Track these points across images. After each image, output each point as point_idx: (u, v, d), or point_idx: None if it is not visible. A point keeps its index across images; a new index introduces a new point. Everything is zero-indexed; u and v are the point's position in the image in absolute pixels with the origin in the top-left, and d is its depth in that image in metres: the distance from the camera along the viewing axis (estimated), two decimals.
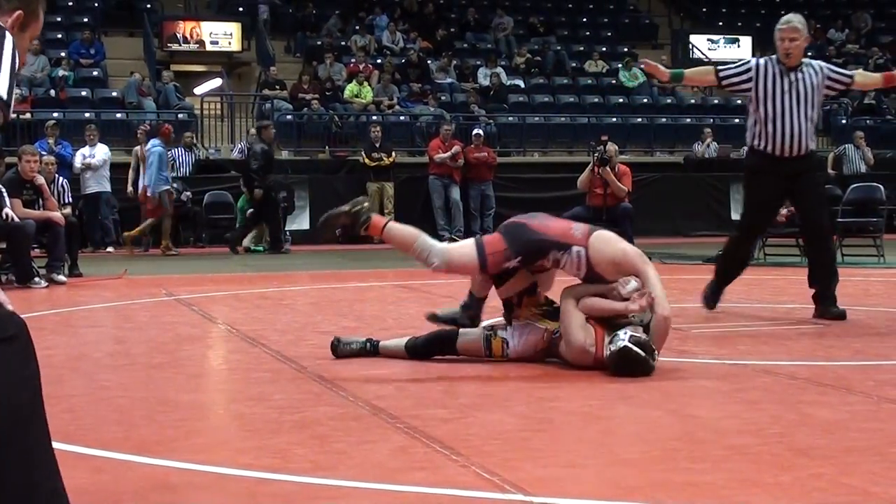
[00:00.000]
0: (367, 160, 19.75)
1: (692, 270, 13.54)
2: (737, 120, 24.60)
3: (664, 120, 24.43)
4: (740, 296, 10.31)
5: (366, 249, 18.01)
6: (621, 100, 25.01)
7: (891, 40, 28.93)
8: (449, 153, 19.59)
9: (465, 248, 6.25)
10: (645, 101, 25.07)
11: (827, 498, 3.53)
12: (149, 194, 17.39)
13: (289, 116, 22.64)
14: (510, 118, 23.66)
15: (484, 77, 24.64)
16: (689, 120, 24.34)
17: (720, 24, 29.48)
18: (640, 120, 24.21)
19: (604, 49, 27.15)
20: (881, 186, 16.21)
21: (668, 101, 25.37)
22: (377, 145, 19.86)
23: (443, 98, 23.87)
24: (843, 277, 8.52)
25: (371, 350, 6.54)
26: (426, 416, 4.77)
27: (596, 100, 24.88)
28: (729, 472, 3.85)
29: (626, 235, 14.74)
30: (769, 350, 6.67)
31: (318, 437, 4.42)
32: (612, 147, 14.97)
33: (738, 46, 28.17)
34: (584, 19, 29.23)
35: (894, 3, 31.61)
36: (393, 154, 20.00)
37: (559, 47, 26.81)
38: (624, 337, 5.77)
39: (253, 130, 19.47)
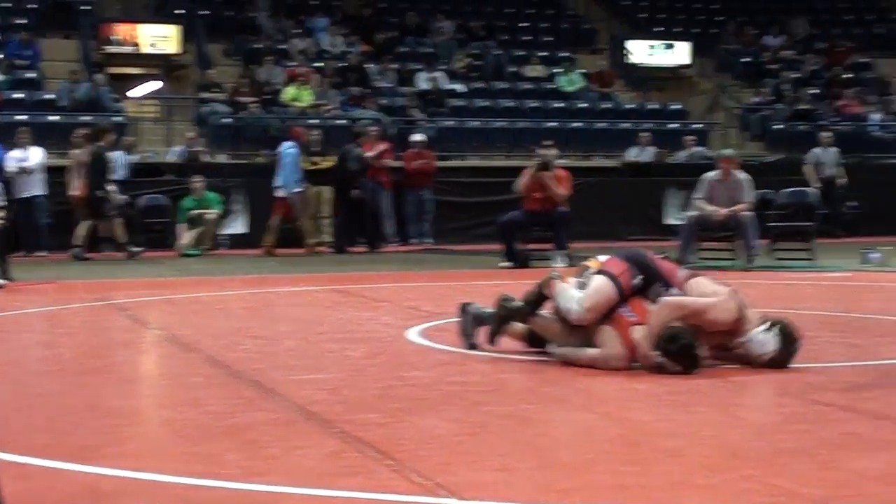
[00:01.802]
0: (305, 164, 19.63)
1: None
2: (674, 125, 24.81)
3: (602, 124, 24.54)
4: None
5: (301, 254, 17.94)
6: (560, 104, 25.09)
7: (826, 46, 29.28)
8: (373, 152, 19.50)
9: (595, 283, 6.30)
10: (583, 105, 25.17)
11: (756, 499, 3.57)
12: (282, 195, 18.05)
13: (227, 120, 22.49)
14: (450, 122, 23.66)
15: (424, 81, 24.63)
16: (626, 125, 24.46)
17: (658, 29, 29.68)
18: (578, 124, 24.29)
19: (543, 54, 27.21)
20: (814, 191, 16.42)
21: (607, 105, 25.51)
22: (315, 149, 19.75)
23: (382, 102, 23.81)
24: (776, 281, 8.61)
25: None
26: (360, 421, 4.76)
27: (535, 104, 24.94)
28: (661, 474, 3.88)
29: (561, 240, 14.87)
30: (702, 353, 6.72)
31: (251, 442, 4.39)
32: (552, 152, 15.04)
33: (675, 52, 28.37)
34: (524, 24, 29.28)
35: (829, 10, 32.00)
36: (331, 158, 19.89)
37: (499, 52, 26.84)
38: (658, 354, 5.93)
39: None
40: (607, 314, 6.19)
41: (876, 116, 26.14)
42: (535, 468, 3.97)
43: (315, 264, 15.76)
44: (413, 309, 9.52)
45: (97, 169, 17.14)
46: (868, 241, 17.79)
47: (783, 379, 5.86)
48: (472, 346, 6.84)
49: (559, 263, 14.65)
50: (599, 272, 6.34)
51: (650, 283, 6.28)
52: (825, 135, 22.14)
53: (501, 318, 6.63)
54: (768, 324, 6.08)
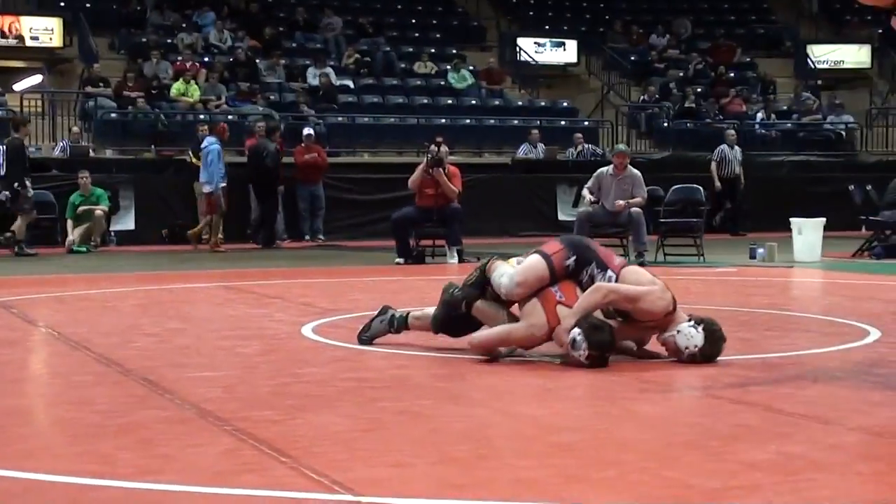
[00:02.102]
0: (193, 160, 19.42)
1: None
2: (563, 122, 25.04)
3: (492, 121, 24.67)
4: None
5: (192, 251, 17.74)
6: (450, 101, 25.17)
7: (709, 46, 29.79)
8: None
9: (528, 260, 6.39)
10: (473, 102, 25.27)
11: (649, 491, 3.62)
12: (206, 191, 17.68)
13: (113, 115, 22.14)
14: (339, 118, 23.59)
15: (313, 77, 24.52)
16: (516, 122, 24.62)
17: (547, 27, 29.92)
18: (468, 121, 24.40)
19: (433, 51, 27.28)
20: (701, 188, 16.68)
21: (497, 102, 25.65)
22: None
23: (271, 97, 23.66)
24: (665, 276, 8.74)
25: (395, 330, 6.77)
26: (255, 418, 4.73)
27: (425, 101, 24.98)
28: (555, 468, 3.92)
29: (454, 235, 14.92)
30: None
31: (144, 441, 4.34)
32: (444, 148, 15.08)
33: (565, 50, 28.65)
34: (413, 21, 29.33)
35: (712, 11, 32.58)
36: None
37: (388, 48, 26.84)
38: (578, 333, 5.95)
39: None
40: (537, 292, 6.23)
41: (759, 115, 26.67)
42: (431, 464, 3.98)
43: (207, 261, 15.59)
44: (307, 305, 9.48)
45: (15, 161, 16.65)
46: (754, 237, 18.17)
47: (674, 373, 5.96)
48: (365, 343, 6.84)
49: (453, 259, 14.73)
50: (535, 252, 6.41)
51: (584, 265, 6.30)
52: (730, 133, 22.34)
53: (450, 306, 6.58)
54: (695, 321, 6.18)
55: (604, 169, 14.76)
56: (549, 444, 4.29)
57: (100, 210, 17.98)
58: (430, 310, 6.78)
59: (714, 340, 6.13)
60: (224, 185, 17.87)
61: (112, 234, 18.54)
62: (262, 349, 6.91)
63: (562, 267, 6.30)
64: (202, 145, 18.11)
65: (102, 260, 16.07)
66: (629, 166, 14.58)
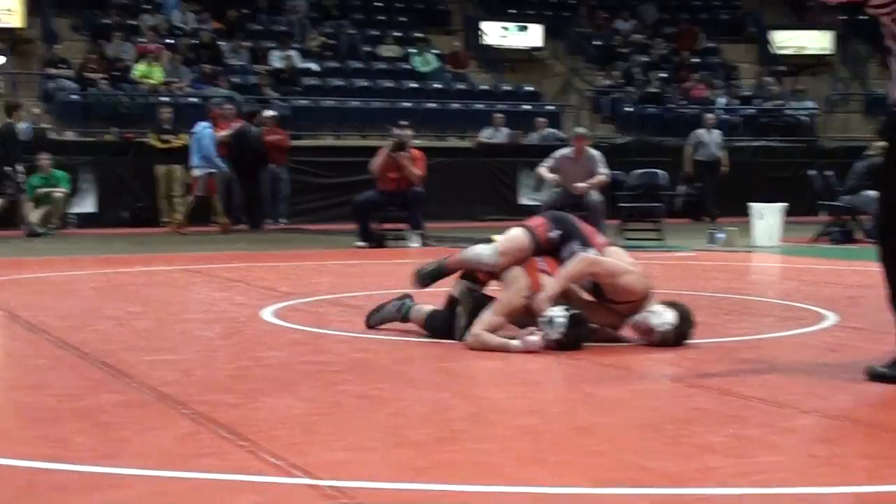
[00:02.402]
0: (156, 142, 19.33)
1: None
2: (527, 106, 25.04)
3: (456, 105, 24.65)
4: None
5: (153, 234, 17.67)
6: (414, 85, 25.12)
7: (675, 31, 29.86)
8: (227, 131, 19.30)
9: (510, 232, 6.44)
10: (438, 86, 25.23)
11: (606, 474, 3.64)
12: (197, 174, 17.94)
13: (74, 96, 21.97)
14: (303, 101, 23.50)
15: (277, 59, 24.41)
16: (480, 106, 24.60)
17: (511, 11, 29.90)
18: (432, 105, 24.36)
19: (397, 34, 27.20)
20: (663, 172, 16.75)
21: (461, 86, 25.63)
22: (167, 127, 19.46)
23: (235, 80, 23.54)
24: None
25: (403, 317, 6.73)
26: (213, 402, 4.72)
27: (389, 84, 24.92)
28: (513, 451, 3.93)
29: (416, 220, 14.92)
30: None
31: (101, 424, 4.32)
32: (407, 132, 15.06)
33: (529, 34, 28.63)
34: (378, 4, 29.23)
35: None
36: (182, 136, 19.61)
37: (353, 31, 26.74)
38: (558, 312, 5.96)
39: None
40: (520, 262, 6.27)
41: (722, 100, 26.78)
42: (390, 447, 3.99)
43: (168, 244, 15.53)
44: (267, 289, 9.46)
45: (7, 144, 16.92)
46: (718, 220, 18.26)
47: (632, 358, 5.99)
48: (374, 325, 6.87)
49: (414, 243, 14.72)
50: (518, 225, 6.47)
51: (567, 239, 6.34)
52: (709, 116, 22.22)
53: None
54: (666, 304, 6.23)
55: (563, 151, 14.77)
56: (507, 427, 4.30)
57: (60, 192, 17.87)
58: (428, 307, 6.70)
59: (687, 320, 6.17)
60: (213, 170, 18.03)
61: (72, 216, 18.43)
62: (221, 333, 6.90)
63: (545, 239, 6.35)
64: (194, 129, 18.25)
65: (62, 242, 15.97)
66: (587, 148, 14.61)
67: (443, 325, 6.46)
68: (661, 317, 6.14)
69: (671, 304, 6.23)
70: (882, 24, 4.70)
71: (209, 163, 18.02)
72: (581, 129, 16.05)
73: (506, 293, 6.26)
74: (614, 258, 6.34)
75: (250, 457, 3.83)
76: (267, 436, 4.10)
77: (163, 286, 9.99)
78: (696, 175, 21.13)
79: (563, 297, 6.20)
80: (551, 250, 6.36)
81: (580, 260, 6.19)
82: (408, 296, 6.87)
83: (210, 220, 18.33)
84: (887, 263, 4.92)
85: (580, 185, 14.18)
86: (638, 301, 6.23)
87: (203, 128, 18.16)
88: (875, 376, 4.89)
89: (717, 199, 21.26)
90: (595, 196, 14.27)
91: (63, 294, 9.29)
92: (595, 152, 14.69)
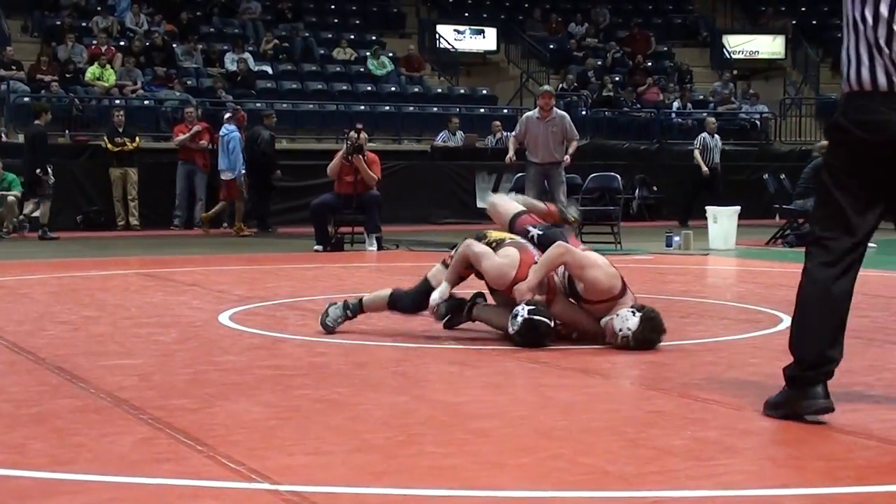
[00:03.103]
0: (109, 145, 19.19)
1: (438, 257, 13.73)
2: (482, 110, 25.08)
3: (412, 109, 24.64)
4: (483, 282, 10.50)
5: (109, 237, 17.54)
6: (369, 88, 25.10)
7: (628, 35, 30.01)
8: (187, 134, 19.22)
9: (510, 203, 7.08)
10: (393, 89, 25.22)
11: (566, 477, 3.64)
12: (226, 178, 18.19)
13: (26, 99, 21.77)
14: (258, 104, 23.41)
15: (231, 62, 24.31)
16: (435, 109, 24.62)
17: (466, 14, 29.95)
18: (387, 108, 24.34)
19: (352, 37, 27.17)
20: (618, 176, 16.82)
21: (416, 89, 25.62)
22: (120, 130, 19.33)
23: (189, 83, 23.40)
24: None
25: (353, 314, 6.92)
26: (171, 407, 4.69)
27: (344, 87, 24.88)
28: (473, 455, 3.93)
29: (373, 223, 14.89)
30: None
31: (57, 430, 4.28)
32: (363, 135, 15.04)
33: (484, 37, 28.69)
34: (333, 7, 29.18)
35: (630, 0, 32.85)
36: (137, 139, 19.50)
37: (307, 34, 26.67)
38: (522, 311, 6.19)
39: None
40: (519, 246, 6.63)
41: (676, 104, 26.93)
42: (349, 451, 3.98)
43: (124, 247, 15.42)
44: (224, 293, 9.41)
45: (36, 148, 17.15)
46: (670, 224, 18.36)
47: (591, 360, 6.00)
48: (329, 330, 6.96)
49: (371, 246, 14.70)
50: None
51: (545, 244, 6.59)
52: (710, 121, 21.79)
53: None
54: (636, 307, 6.25)
55: (529, 114, 14.75)
56: (467, 431, 4.30)
57: (12, 196, 17.70)
58: (384, 292, 6.97)
59: (649, 328, 6.18)
60: (244, 171, 18.24)
61: (25, 220, 18.26)
62: (178, 337, 6.85)
63: (523, 227, 6.87)
64: (221, 133, 18.45)
65: (14, 246, 15.82)
66: (555, 108, 14.62)
67: (413, 305, 6.81)
68: (625, 321, 6.17)
69: (640, 308, 6.25)
70: None
71: (239, 165, 18.24)
72: (547, 87, 16.01)
73: (498, 258, 6.49)
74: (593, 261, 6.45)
75: (209, 462, 3.81)
76: (225, 441, 4.08)
77: (118, 290, 9.91)
78: (698, 180, 20.55)
79: (548, 301, 6.35)
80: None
81: (555, 246, 6.38)
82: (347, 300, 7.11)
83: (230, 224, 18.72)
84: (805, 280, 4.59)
85: (567, 159, 14.27)
86: (608, 301, 6.26)
87: (230, 131, 18.32)
88: (769, 407, 4.58)
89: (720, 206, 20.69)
90: (567, 160, 14.36)
91: (17, 298, 9.20)
92: (562, 113, 14.74)
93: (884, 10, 4.32)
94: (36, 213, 17.52)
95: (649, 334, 6.18)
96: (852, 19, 4.39)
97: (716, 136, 21.12)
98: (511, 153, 14.60)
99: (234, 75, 23.90)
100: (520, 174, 15.78)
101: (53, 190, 17.39)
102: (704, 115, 26.79)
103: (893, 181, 4.42)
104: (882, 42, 4.32)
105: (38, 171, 17.11)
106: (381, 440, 4.13)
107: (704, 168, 20.33)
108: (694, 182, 20.44)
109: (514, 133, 14.76)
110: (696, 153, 20.70)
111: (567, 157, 14.39)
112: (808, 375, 4.38)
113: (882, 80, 4.33)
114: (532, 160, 14.38)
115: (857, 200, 4.41)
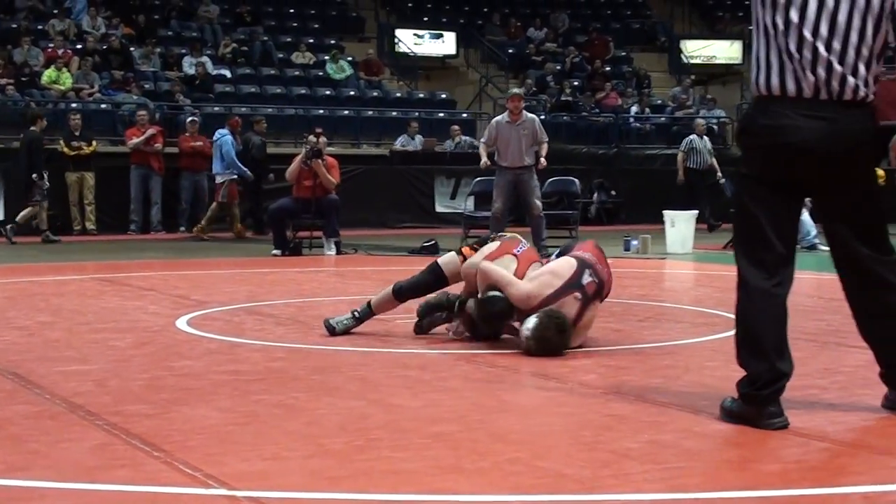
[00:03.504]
0: (65, 149, 19.06)
1: (397, 262, 13.74)
2: (441, 114, 25.10)
3: (371, 113, 24.62)
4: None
5: (65, 242, 17.42)
6: (328, 92, 25.06)
7: (585, 40, 30.14)
8: (141, 137, 19.12)
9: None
10: (352, 93, 25.19)
11: (523, 481, 3.66)
12: (219, 181, 18.29)
13: None
14: (216, 108, 23.32)
15: (189, 66, 24.20)
16: (394, 113, 24.62)
17: (425, 19, 29.97)
18: (346, 112, 24.31)
19: (311, 41, 27.11)
20: (576, 180, 16.88)
21: (375, 93, 25.61)
22: (77, 134, 19.19)
23: (146, 86, 23.29)
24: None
25: (360, 317, 7.00)
26: (127, 413, 4.66)
27: (303, 91, 24.83)
28: (431, 459, 3.93)
29: (332, 227, 14.87)
30: (469, 340, 6.83)
31: (12, 437, 4.25)
32: (322, 139, 15.02)
33: (443, 41, 28.73)
34: (292, 10, 29.11)
35: (589, 5, 32.98)
36: (93, 143, 19.37)
37: (266, 38, 26.60)
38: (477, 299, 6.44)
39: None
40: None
41: (634, 108, 27.06)
42: (307, 456, 3.97)
43: (80, 252, 15.31)
44: (181, 297, 9.37)
45: (32, 154, 17.39)
46: (628, 228, 18.44)
47: (548, 363, 6.01)
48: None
49: (330, 251, 14.67)
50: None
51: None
52: (699, 122, 21.62)
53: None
54: (543, 312, 6.22)
55: (498, 118, 14.66)
56: (424, 435, 4.30)
57: None
58: (387, 289, 7.14)
59: (542, 326, 6.09)
60: (235, 176, 18.39)
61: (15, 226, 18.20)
62: (135, 342, 6.81)
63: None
64: (214, 137, 18.62)
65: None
66: (524, 112, 14.54)
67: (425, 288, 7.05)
68: (526, 323, 6.18)
69: (545, 312, 6.18)
70: None
71: (231, 169, 18.36)
72: (516, 89, 15.99)
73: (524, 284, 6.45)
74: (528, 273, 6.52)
75: (165, 468, 3.79)
76: (182, 446, 4.07)
77: (74, 295, 9.84)
78: (688, 183, 20.39)
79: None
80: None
81: (481, 267, 6.54)
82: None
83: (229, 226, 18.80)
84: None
85: (542, 162, 14.26)
86: (527, 311, 6.31)
87: (223, 135, 18.46)
88: (725, 412, 4.59)
89: (712, 208, 19.73)
90: (543, 163, 14.36)
91: None
92: (532, 115, 14.70)
93: (794, 16, 4.39)
94: (22, 214, 17.54)
95: (544, 331, 6.09)
96: (763, 25, 4.46)
97: (705, 137, 20.89)
98: (485, 158, 14.48)
99: (192, 79, 23.80)
100: (479, 178, 15.80)
101: (45, 196, 17.55)
102: (662, 119, 27.07)
103: (805, 185, 4.50)
104: (793, 48, 4.39)
105: (34, 175, 17.25)
106: (338, 445, 4.13)
107: (681, 175, 20.07)
108: (691, 186, 20.14)
109: (483, 139, 14.70)
110: (680, 156, 20.41)
111: (542, 161, 14.35)
112: (762, 394, 4.41)
113: (791, 85, 4.40)
114: (503, 165, 14.28)
115: (774, 212, 4.47)
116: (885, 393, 4.75)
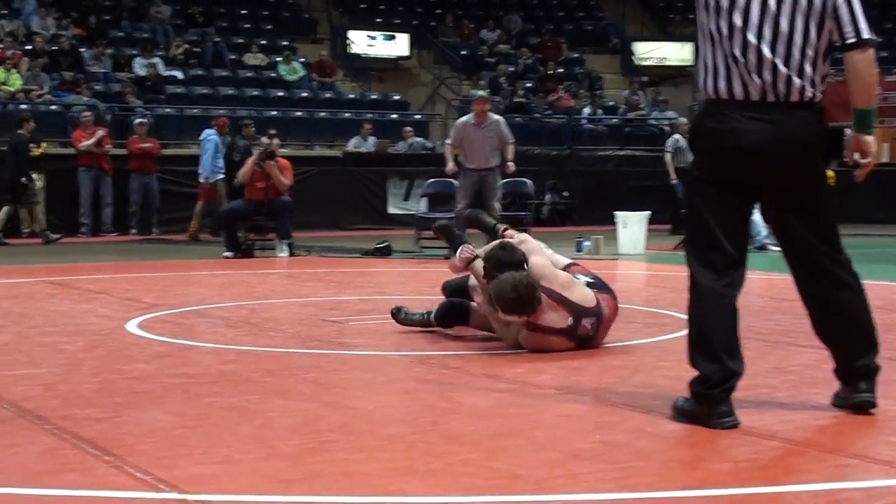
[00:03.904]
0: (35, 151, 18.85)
1: (350, 263, 13.73)
2: (394, 116, 25.08)
3: (323, 114, 24.56)
4: (396, 288, 10.52)
5: (14, 244, 17.25)
6: (281, 93, 24.97)
7: (538, 42, 30.21)
8: (93, 139, 18.98)
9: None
10: (304, 95, 25.12)
11: (475, 482, 3.66)
12: (202, 181, 18.26)
13: None
14: (168, 110, 23.19)
15: (140, 67, 24.04)
16: (347, 115, 24.57)
17: (378, 20, 29.93)
18: (299, 114, 24.24)
19: (263, 42, 27.01)
20: (529, 181, 16.90)
21: (328, 95, 25.55)
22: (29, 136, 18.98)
23: (97, 88, 23.11)
24: None
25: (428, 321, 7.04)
26: (77, 417, 4.62)
27: (256, 93, 24.73)
28: (383, 461, 3.93)
29: (285, 229, 14.81)
30: (422, 341, 6.83)
31: None
32: (275, 141, 14.97)
33: (396, 43, 28.71)
34: (244, 11, 28.99)
35: (542, 7, 33.06)
36: (43, 145, 19.17)
37: (218, 39, 26.47)
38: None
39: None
40: None
41: (586, 110, 27.16)
42: (259, 459, 3.95)
43: (30, 255, 15.16)
44: (132, 300, 9.30)
45: (18, 156, 17.61)
46: (580, 229, 18.49)
47: (500, 363, 6.03)
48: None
49: (282, 253, 14.62)
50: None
51: None
52: (683, 121, 21.26)
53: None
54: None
55: (464, 119, 14.60)
56: (377, 437, 4.29)
57: None
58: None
59: (514, 280, 6.14)
60: (221, 176, 18.26)
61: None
62: (85, 346, 6.76)
63: None
64: (201, 137, 18.63)
65: None
66: (490, 113, 14.50)
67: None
68: (495, 284, 6.24)
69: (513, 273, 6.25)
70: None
71: (220, 170, 18.34)
72: (481, 91, 15.97)
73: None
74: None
75: (116, 472, 3.76)
76: (132, 450, 4.03)
77: (23, 298, 9.73)
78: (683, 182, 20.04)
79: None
80: None
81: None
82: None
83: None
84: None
85: (510, 165, 14.26)
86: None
87: (209, 135, 18.48)
88: (676, 412, 4.62)
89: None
90: (511, 167, 14.38)
91: None
92: (498, 117, 14.67)
93: (738, 21, 4.45)
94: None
95: (499, 289, 6.13)
96: (709, 31, 4.53)
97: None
98: (451, 164, 14.43)
99: (144, 80, 23.64)
100: (432, 179, 15.79)
101: (36, 197, 17.80)
102: (615, 120, 27.18)
103: (754, 187, 4.55)
104: (738, 53, 4.45)
105: (23, 179, 17.44)
106: (290, 447, 4.11)
107: (673, 176, 19.42)
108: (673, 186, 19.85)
109: (449, 141, 14.64)
110: (668, 157, 19.83)
111: (510, 164, 14.34)
112: (712, 394, 4.44)
113: (738, 89, 4.46)
114: (468, 166, 14.26)
115: (724, 214, 4.52)
116: (835, 391, 4.79)
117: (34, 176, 17.74)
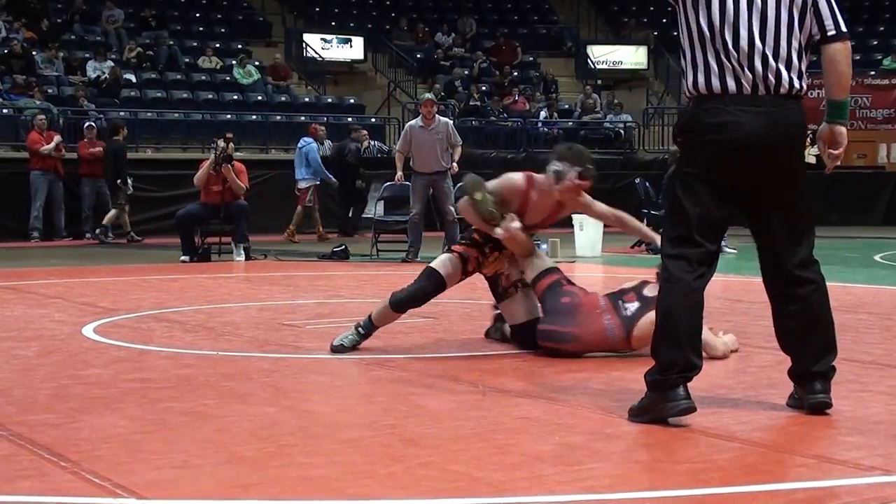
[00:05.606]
0: None
1: (307, 267, 13.70)
2: (350, 119, 25.05)
3: (279, 117, 24.50)
4: (353, 291, 10.51)
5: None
6: (236, 97, 24.89)
7: (493, 45, 30.28)
8: (52, 144, 18.85)
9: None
10: (259, 98, 25.05)
11: (435, 485, 3.66)
12: (302, 186, 19.26)
13: None
14: (121, 113, 23.03)
15: (93, 70, 23.88)
16: (303, 118, 24.50)
17: (333, 23, 29.90)
18: (254, 117, 24.17)
19: (218, 45, 26.91)
20: None
21: (283, 98, 25.48)
22: None
23: (49, 91, 22.94)
24: None
25: (365, 332, 6.64)
26: (32, 423, 4.58)
27: (210, 96, 24.63)
28: (342, 465, 3.92)
29: (241, 232, 14.75)
30: (381, 344, 6.83)
31: None
32: (231, 144, 14.90)
33: (351, 46, 28.69)
34: (198, 15, 28.88)
35: (496, 10, 33.15)
36: None
37: (172, 42, 26.35)
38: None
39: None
40: None
41: (542, 113, 27.24)
42: (217, 464, 3.94)
43: None
44: (88, 305, 9.23)
45: (118, 161, 18.59)
46: (537, 232, 18.52)
47: (458, 365, 6.04)
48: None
49: (239, 256, 14.55)
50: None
51: None
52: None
53: None
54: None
55: (412, 123, 14.64)
56: (336, 441, 4.29)
57: None
58: (383, 301, 6.76)
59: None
60: (318, 182, 19.38)
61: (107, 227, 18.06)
62: (40, 351, 6.70)
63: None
64: (299, 145, 19.61)
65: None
66: (438, 116, 14.56)
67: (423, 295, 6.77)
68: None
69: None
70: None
71: (316, 175, 19.32)
72: (429, 94, 16.00)
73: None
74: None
75: (73, 478, 3.73)
76: (90, 456, 4.01)
77: None
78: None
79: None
80: None
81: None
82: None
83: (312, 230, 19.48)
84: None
85: (454, 166, 14.25)
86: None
87: (307, 143, 19.44)
88: (633, 413, 4.64)
89: None
90: (454, 167, 14.35)
91: None
92: (446, 119, 14.71)
93: (726, 16, 4.52)
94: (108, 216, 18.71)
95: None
96: (697, 29, 4.58)
97: None
98: (399, 171, 14.48)
99: (97, 83, 23.48)
100: (389, 183, 15.78)
101: (127, 200, 18.75)
102: (570, 123, 27.28)
103: (745, 183, 4.60)
104: (729, 47, 4.52)
105: (118, 181, 18.41)
106: (249, 452, 4.10)
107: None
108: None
109: (398, 146, 14.65)
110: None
111: (454, 165, 14.37)
112: (669, 378, 4.49)
113: (731, 83, 4.53)
114: (418, 170, 14.27)
115: (706, 210, 4.58)
116: (791, 392, 4.84)
117: (129, 181, 18.57)
